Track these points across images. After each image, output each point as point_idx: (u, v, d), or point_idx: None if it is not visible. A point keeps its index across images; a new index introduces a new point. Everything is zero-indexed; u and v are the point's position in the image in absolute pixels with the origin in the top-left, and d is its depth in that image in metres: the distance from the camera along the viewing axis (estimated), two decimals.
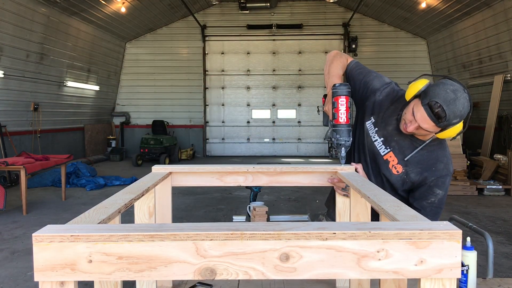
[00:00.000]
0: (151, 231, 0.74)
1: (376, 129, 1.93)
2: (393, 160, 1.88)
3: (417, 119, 1.72)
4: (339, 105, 1.77)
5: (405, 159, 1.87)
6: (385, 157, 1.90)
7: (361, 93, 1.99)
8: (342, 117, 1.78)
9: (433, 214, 1.87)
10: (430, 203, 1.88)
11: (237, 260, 0.74)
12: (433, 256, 0.74)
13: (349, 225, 0.78)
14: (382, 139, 1.91)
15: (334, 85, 1.82)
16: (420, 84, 1.75)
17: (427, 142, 1.86)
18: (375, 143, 1.92)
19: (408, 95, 1.79)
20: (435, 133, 1.77)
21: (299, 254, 0.74)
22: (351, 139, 1.81)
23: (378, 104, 1.94)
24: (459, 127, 1.73)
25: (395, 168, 1.87)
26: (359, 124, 2.02)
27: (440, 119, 1.67)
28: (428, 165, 1.86)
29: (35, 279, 0.74)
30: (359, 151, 1.99)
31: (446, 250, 0.74)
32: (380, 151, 1.91)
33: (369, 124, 1.95)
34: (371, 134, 1.94)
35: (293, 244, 0.73)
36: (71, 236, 0.73)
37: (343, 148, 1.79)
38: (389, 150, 1.90)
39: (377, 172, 1.93)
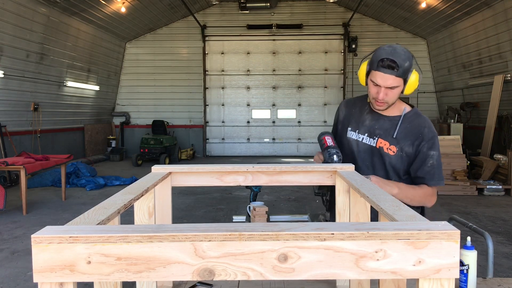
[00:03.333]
0: (149, 232, 0.74)
1: (357, 130, 2.10)
2: (385, 144, 2.02)
3: (380, 83, 1.89)
4: (325, 139, 2.11)
5: (394, 136, 2.00)
6: (377, 146, 2.03)
7: (339, 138, 2.24)
8: (328, 141, 2.09)
9: (438, 173, 2.00)
10: (430, 166, 1.99)
11: (235, 261, 0.74)
12: (431, 256, 0.74)
13: (348, 225, 0.78)
14: (366, 134, 2.07)
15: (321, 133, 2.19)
16: (363, 66, 1.98)
17: (404, 114, 2.02)
18: (363, 141, 2.07)
19: (362, 80, 2.00)
20: (402, 91, 1.93)
21: (297, 255, 0.74)
22: (339, 151, 2.03)
23: (346, 117, 2.18)
24: (415, 79, 1.92)
25: (390, 150, 2.00)
26: (344, 141, 2.16)
27: (394, 68, 1.85)
28: (415, 134, 2.00)
29: (34, 280, 0.74)
30: (358, 160, 2.09)
31: (444, 250, 0.74)
32: (370, 144, 2.05)
33: (350, 133, 2.12)
34: (356, 138, 2.09)
35: (291, 244, 0.74)
36: (70, 237, 0.73)
37: (334, 156, 1.99)
38: (377, 138, 2.04)
39: (380, 165, 2.04)
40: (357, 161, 2.08)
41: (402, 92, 1.94)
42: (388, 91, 1.90)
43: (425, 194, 1.99)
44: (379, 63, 1.86)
